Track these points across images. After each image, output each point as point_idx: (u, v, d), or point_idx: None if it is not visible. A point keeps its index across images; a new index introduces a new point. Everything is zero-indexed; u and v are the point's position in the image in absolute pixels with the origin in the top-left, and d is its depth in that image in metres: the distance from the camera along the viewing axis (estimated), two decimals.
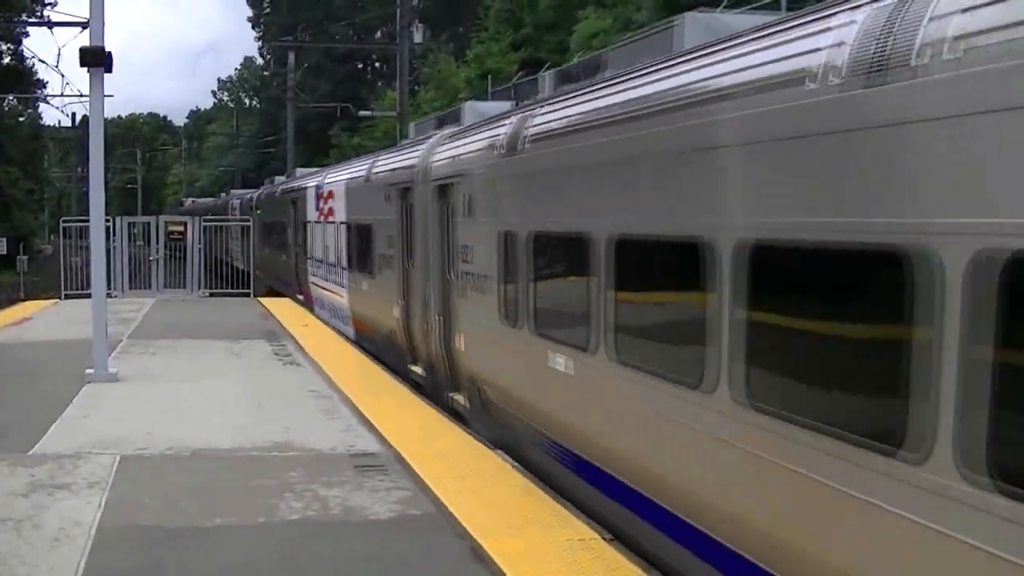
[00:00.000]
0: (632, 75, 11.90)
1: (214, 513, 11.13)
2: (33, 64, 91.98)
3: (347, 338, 27.01)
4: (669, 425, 10.09)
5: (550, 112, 14.14)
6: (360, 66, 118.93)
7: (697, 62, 10.19)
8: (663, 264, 10.81)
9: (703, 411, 9.42)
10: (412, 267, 21.45)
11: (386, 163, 24.94)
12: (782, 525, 8.24)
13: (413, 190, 21.29)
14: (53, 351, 23.34)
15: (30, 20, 79.91)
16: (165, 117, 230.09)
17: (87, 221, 20.60)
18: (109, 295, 22.92)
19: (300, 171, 46.13)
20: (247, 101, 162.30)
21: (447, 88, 67.02)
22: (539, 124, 14.25)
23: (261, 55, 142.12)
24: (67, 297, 36.09)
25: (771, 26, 9.15)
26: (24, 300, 43.31)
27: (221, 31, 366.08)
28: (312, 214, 34.59)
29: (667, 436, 10.18)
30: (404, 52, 56.97)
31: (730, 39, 9.80)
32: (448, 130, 20.75)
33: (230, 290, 41.00)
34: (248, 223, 45.48)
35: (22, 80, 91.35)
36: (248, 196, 60.18)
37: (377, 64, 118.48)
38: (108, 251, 22.08)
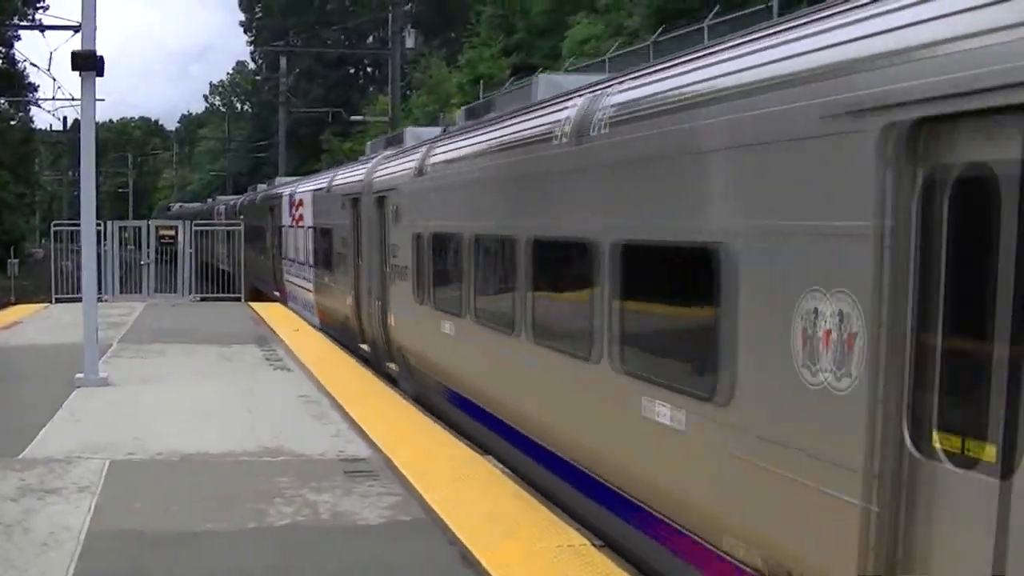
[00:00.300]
0: (480, 126, 17.34)
1: (204, 518, 11.12)
2: (25, 67, 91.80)
3: (315, 327, 30.40)
4: (508, 361, 14.52)
5: (442, 145, 19.17)
6: (352, 71, 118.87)
7: (505, 122, 15.65)
8: (497, 252, 15.57)
9: (514, 348, 14.10)
10: (360, 264, 25.68)
11: (342, 177, 30.15)
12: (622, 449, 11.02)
13: (361, 200, 25.54)
14: (43, 355, 23.32)
15: (22, 23, 79.87)
16: (157, 121, 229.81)
17: (78, 225, 20.59)
18: (100, 299, 22.94)
19: (279, 180, 50.10)
20: (239, 105, 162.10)
21: (439, 93, 67.04)
22: (436, 154, 19.19)
23: (253, 59, 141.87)
24: (58, 301, 36.03)
25: (541, 104, 14.67)
26: (15, 304, 43.27)
27: (213, 35, 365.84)
28: (286, 219, 38.96)
29: (510, 369, 14.55)
30: (396, 57, 57.15)
31: (520, 110, 15.48)
32: (389, 151, 25.33)
33: (221, 294, 40.98)
34: (238, 227, 45.43)
35: (13, 83, 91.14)
36: (232, 202, 61.88)
37: (369, 69, 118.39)
38: (99, 255, 22.06)
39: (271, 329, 28.67)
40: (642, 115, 10.74)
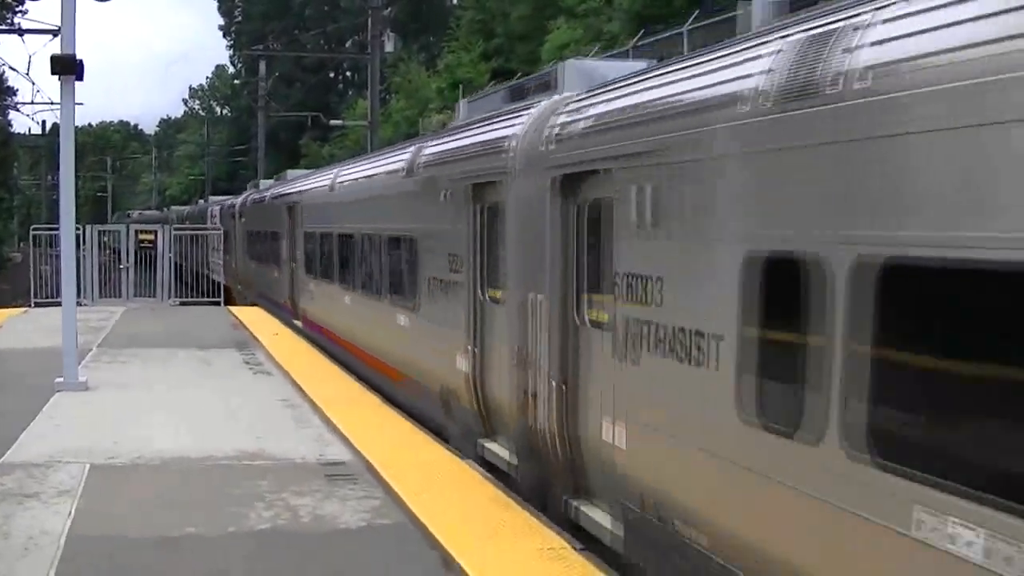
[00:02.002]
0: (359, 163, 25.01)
1: (184, 522, 11.12)
2: (3, 71, 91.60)
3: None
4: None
5: (348, 170, 25.17)
6: (331, 75, 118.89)
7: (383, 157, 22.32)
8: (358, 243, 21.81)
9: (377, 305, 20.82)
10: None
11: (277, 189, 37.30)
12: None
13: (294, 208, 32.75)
14: (22, 359, 23.26)
15: (0, 27, 79.69)
16: (136, 125, 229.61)
17: (57, 229, 20.54)
18: (79, 303, 22.87)
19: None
20: (218, 110, 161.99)
21: (418, 98, 67.07)
22: (342, 177, 25.56)
23: (232, 63, 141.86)
24: (37, 305, 35.91)
25: (397, 150, 21.30)
26: None
27: (193, 40, 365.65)
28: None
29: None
30: (375, 62, 56.99)
31: (384, 153, 22.20)
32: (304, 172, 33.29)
33: (200, 298, 40.92)
34: (219, 231, 45.27)
35: None
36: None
37: (348, 73, 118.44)
38: (78, 259, 22.02)
39: (250, 333, 28.64)
40: (439, 162, 17.58)
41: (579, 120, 12.23)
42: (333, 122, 74.88)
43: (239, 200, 52.83)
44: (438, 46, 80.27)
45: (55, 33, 26.30)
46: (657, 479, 9.98)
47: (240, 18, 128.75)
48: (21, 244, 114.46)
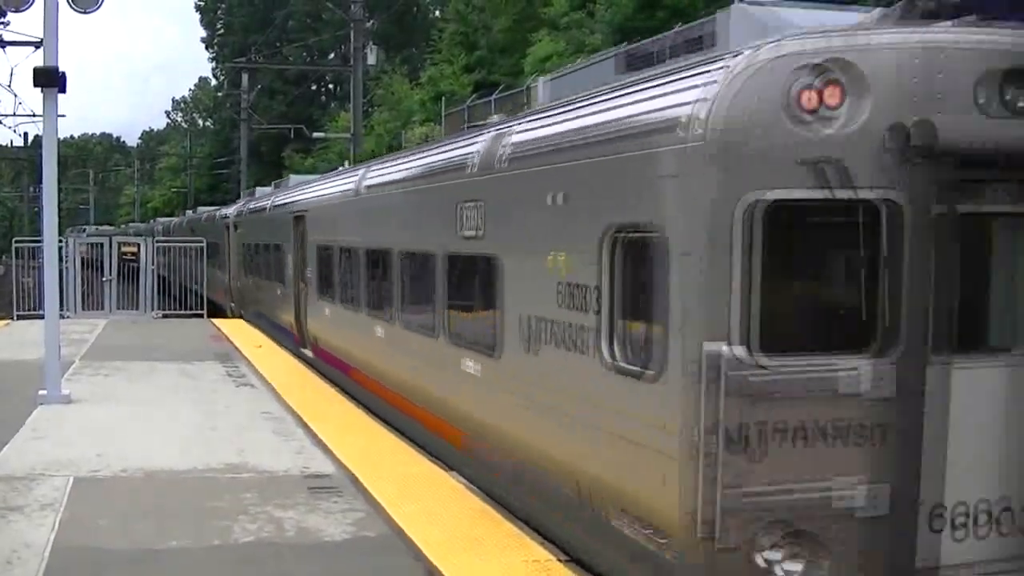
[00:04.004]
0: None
1: (168, 535, 11.11)
2: None
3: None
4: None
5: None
6: (314, 87, 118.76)
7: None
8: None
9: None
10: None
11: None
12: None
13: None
14: (5, 372, 23.19)
15: None
16: (119, 138, 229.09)
17: (39, 241, 20.48)
18: (62, 316, 22.81)
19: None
20: (200, 122, 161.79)
21: (401, 110, 67.05)
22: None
23: (215, 76, 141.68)
24: (19, 318, 35.84)
25: (345, 174, 24.84)
26: None
27: (175, 52, 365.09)
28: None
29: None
30: (358, 74, 56.95)
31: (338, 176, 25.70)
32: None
33: (183, 311, 40.86)
34: (201, 243, 45.05)
35: None
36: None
37: (331, 86, 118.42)
38: (60, 272, 21.98)
39: (233, 346, 28.61)
40: (383, 184, 20.76)
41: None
42: (316, 134, 74.77)
43: (232, 209, 49.02)
44: (421, 59, 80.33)
45: (37, 45, 26.29)
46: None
47: (222, 30, 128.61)
48: (3, 256, 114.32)
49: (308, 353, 26.65)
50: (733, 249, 9.05)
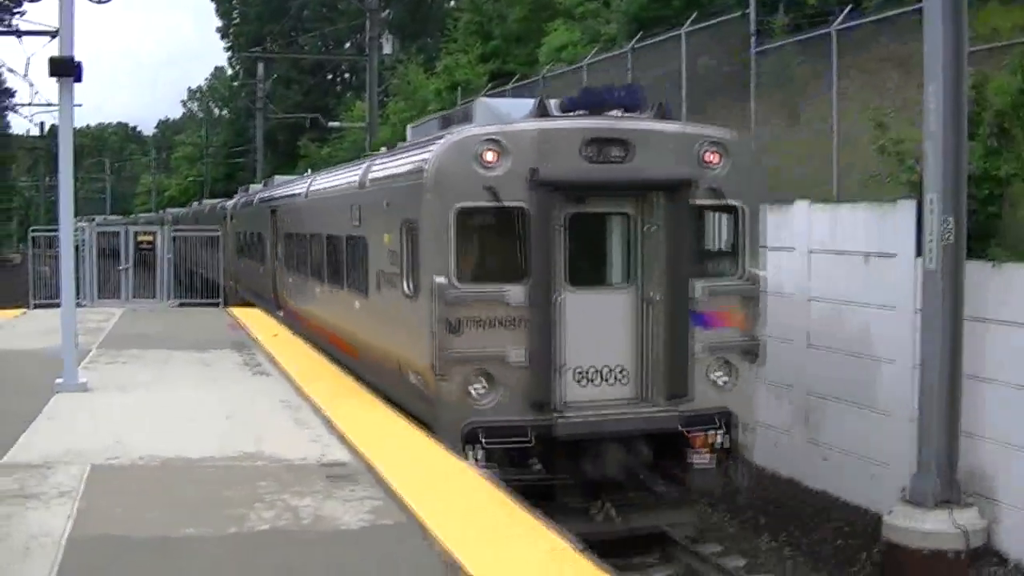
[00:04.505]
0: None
1: (185, 523, 11.12)
2: (1, 73, 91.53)
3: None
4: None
5: (318, 180, 31.52)
6: (329, 77, 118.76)
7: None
8: (324, 243, 27.49)
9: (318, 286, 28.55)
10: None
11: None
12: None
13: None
14: (22, 361, 23.26)
15: None
16: (135, 127, 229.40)
17: (55, 230, 20.50)
18: (79, 304, 22.84)
19: (278, 178, 47.56)
20: (216, 111, 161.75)
21: (416, 99, 66.95)
22: (314, 185, 31.38)
23: (231, 65, 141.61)
24: (36, 306, 35.88)
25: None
26: None
27: (190, 42, 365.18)
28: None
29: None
30: (373, 63, 56.98)
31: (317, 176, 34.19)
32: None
33: (200, 300, 40.88)
34: (216, 232, 45.19)
35: None
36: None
37: (346, 75, 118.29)
38: (77, 260, 21.99)
39: (250, 334, 28.61)
40: (318, 190, 28.98)
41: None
42: (331, 124, 74.82)
43: (230, 203, 55.34)
44: (436, 48, 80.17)
45: (53, 35, 26.31)
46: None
47: (238, 20, 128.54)
48: (20, 245, 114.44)
49: (280, 314, 34.96)
50: (448, 231, 17.58)
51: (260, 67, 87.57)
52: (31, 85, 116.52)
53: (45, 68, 19.14)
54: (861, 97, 24.38)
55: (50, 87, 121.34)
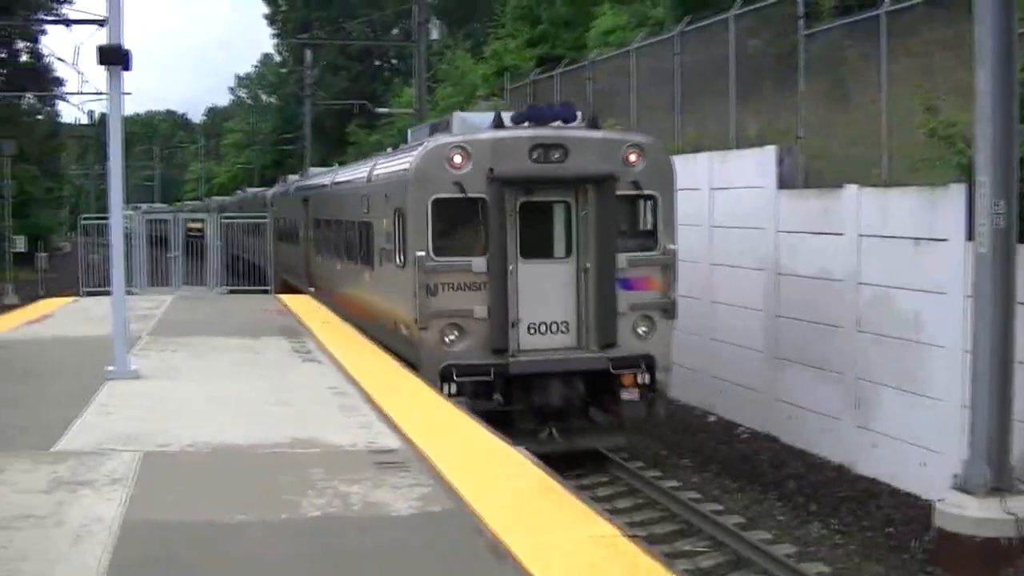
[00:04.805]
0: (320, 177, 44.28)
1: (236, 509, 11.15)
2: (51, 62, 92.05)
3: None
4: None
5: (338, 174, 38.06)
6: (377, 63, 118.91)
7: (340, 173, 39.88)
8: (343, 227, 33.21)
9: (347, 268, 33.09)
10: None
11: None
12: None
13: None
14: (73, 348, 23.40)
15: (47, 18, 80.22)
16: (184, 115, 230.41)
17: (105, 218, 20.56)
18: (129, 292, 22.94)
19: (312, 170, 54.91)
20: (264, 98, 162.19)
21: (464, 85, 66.98)
22: (313, 186, 41.73)
23: (278, 52, 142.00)
24: (87, 294, 36.13)
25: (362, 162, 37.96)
26: (44, 297, 43.38)
27: (238, 28, 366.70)
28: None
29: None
30: (421, 49, 57.09)
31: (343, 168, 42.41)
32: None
33: (249, 286, 41.06)
34: (266, 219, 45.50)
35: (39, 78, 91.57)
36: (337, 179, 56.87)
37: (394, 61, 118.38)
38: (127, 248, 22.09)
39: (300, 321, 28.68)
40: (338, 182, 35.55)
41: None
42: (379, 110, 74.97)
43: (270, 192, 61.23)
44: (484, 33, 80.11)
45: (102, 23, 26.44)
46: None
47: (285, 7, 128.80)
48: (70, 234, 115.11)
49: (311, 290, 39.64)
50: (428, 216, 23.31)
51: (308, 54, 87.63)
52: (80, 74, 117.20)
53: (94, 57, 19.21)
54: (911, 80, 24.21)
55: (99, 75, 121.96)
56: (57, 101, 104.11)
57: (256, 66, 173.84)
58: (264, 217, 46.75)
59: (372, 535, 10.45)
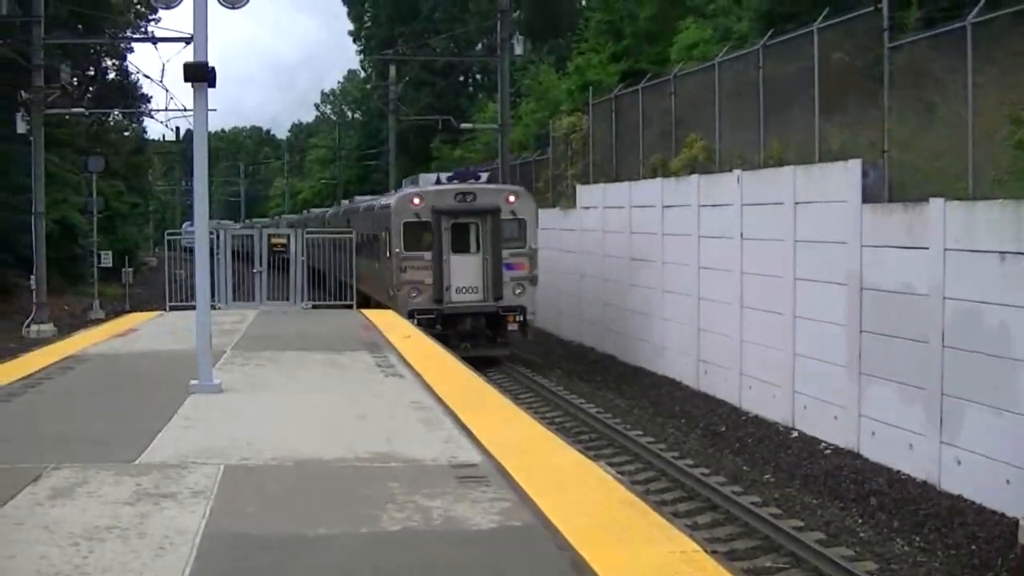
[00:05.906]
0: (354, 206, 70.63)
1: (317, 522, 11.18)
2: (137, 79, 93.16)
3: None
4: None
5: (361, 203, 66.95)
6: (461, 78, 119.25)
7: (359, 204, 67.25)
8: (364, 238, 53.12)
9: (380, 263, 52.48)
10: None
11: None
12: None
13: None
14: (158, 362, 23.59)
15: (135, 36, 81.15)
16: (268, 131, 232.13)
17: (178, 234, 20.63)
18: (213, 307, 23.09)
19: (357, 198, 76.73)
20: (349, 114, 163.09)
21: (548, 100, 67.07)
22: (353, 208, 68.51)
23: (363, 68, 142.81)
24: (172, 309, 36.41)
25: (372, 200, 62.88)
26: (129, 312, 43.79)
27: (321, 45, 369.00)
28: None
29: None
30: (505, 64, 57.25)
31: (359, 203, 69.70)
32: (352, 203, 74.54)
33: (333, 302, 41.25)
34: (350, 234, 45.92)
35: (126, 95, 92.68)
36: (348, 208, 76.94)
37: (478, 76, 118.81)
38: (212, 263, 22.21)
39: (383, 335, 28.75)
40: (366, 208, 61.06)
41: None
42: (463, 125, 75.22)
43: (329, 212, 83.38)
44: (567, 48, 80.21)
45: (187, 41, 26.72)
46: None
47: (369, 23, 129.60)
48: (156, 249, 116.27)
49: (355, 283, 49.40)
50: (401, 231, 45.90)
51: (392, 69, 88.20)
52: (166, 91, 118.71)
53: (180, 74, 19.38)
54: (997, 92, 23.97)
55: (185, 92, 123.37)
56: (144, 118, 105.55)
57: (341, 82, 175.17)
58: (348, 232, 47.04)
59: (452, 549, 10.44)
